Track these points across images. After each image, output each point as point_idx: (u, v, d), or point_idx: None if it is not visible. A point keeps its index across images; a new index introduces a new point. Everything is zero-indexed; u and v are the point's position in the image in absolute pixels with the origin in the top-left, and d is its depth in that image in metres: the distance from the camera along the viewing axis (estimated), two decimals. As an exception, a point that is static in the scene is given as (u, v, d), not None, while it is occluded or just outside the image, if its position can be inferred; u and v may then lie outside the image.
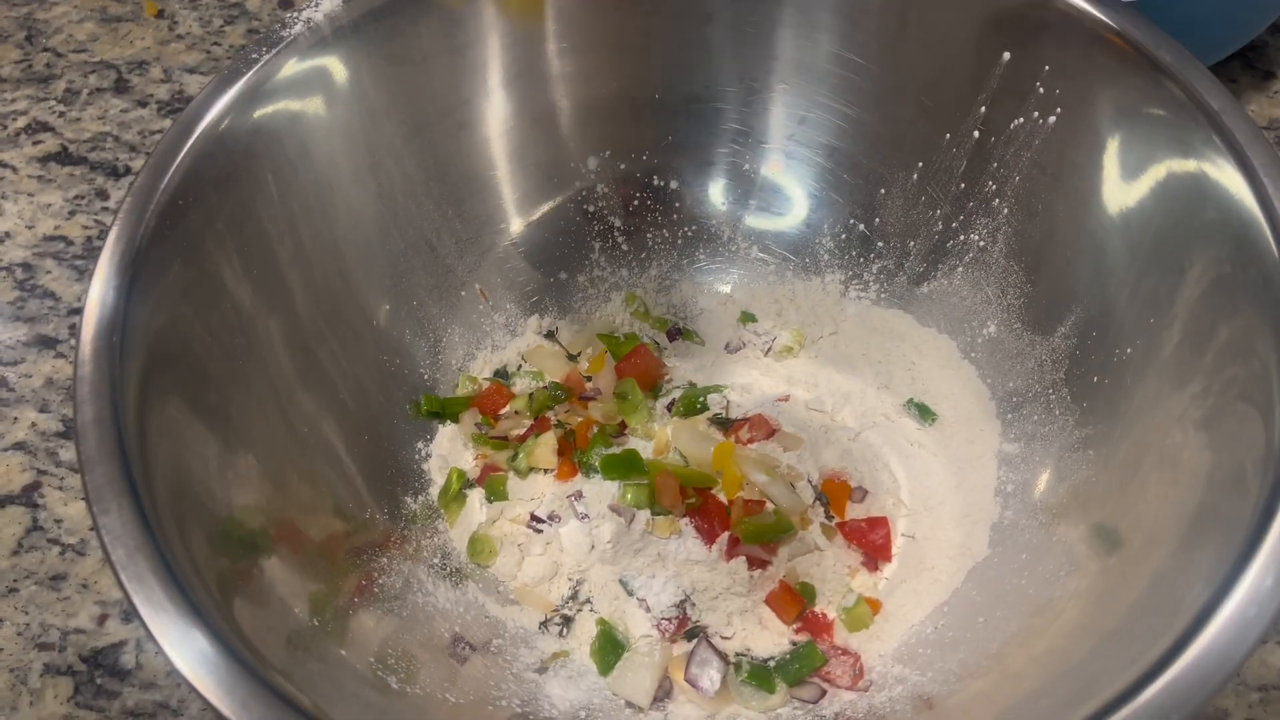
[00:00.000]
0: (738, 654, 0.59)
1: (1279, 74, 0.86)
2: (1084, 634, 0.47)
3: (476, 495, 0.65)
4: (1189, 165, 0.52)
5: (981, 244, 0.67)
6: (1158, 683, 0.38)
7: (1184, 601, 0.41)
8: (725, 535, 0.61)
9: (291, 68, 0.59)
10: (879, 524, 0.62)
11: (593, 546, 0.61)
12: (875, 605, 0.60)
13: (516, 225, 0.73)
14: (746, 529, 0.59)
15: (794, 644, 0.59)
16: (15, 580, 0.65)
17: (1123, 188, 0.56)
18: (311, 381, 0.60)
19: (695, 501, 0.61)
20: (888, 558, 0.62)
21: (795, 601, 0.59)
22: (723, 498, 0.61)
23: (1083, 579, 0.52)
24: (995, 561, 0.60)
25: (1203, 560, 0.43)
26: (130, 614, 0.63)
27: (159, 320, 0.49)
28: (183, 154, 0.53)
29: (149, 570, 0.42)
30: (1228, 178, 0.49)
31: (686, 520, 0.61)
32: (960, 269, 0.68)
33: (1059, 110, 0.60)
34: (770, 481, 0.61)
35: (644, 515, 0.61)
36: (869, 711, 0.54)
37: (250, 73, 0.57)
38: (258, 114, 0.57)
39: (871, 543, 0.62)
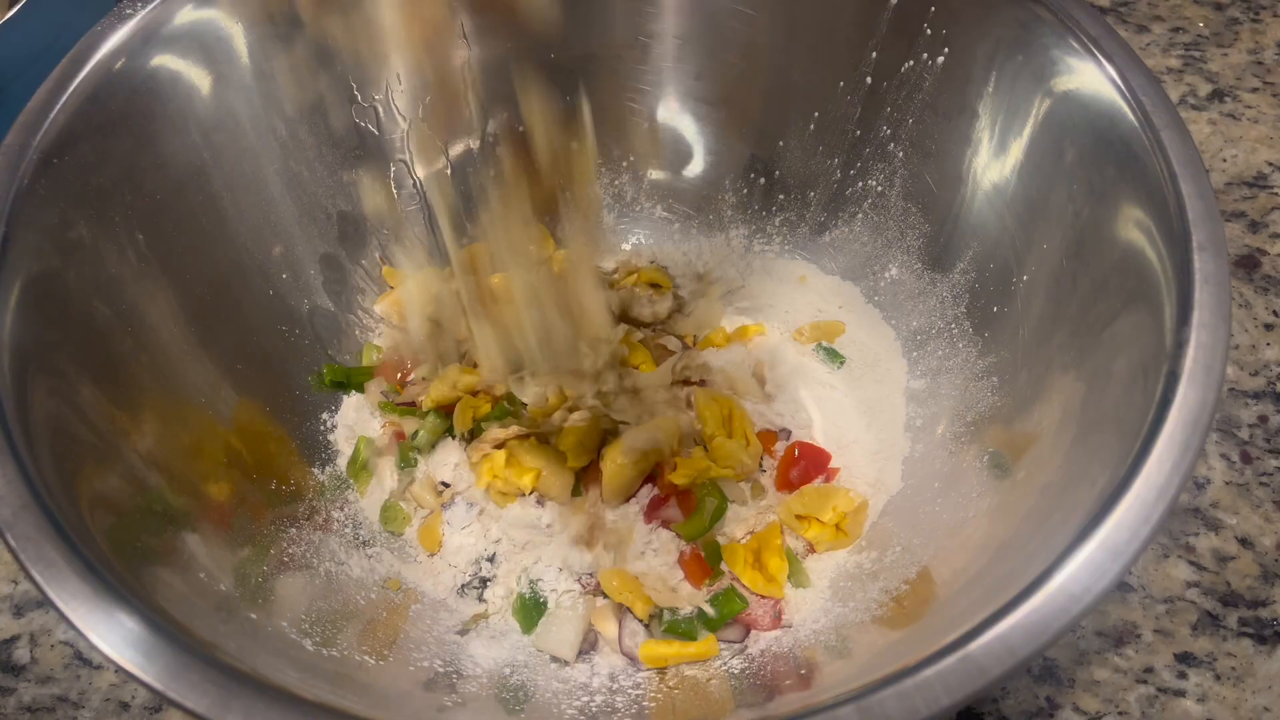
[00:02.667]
0: (654, 610, 0.58)
1: (1152, 29, 0.90)
2: (989, 546, 0.48)
3: (387, 463, 0.64)
4: (1065, 84, 0.53)
5: (879, 189, 0.68)
6: (1048, 586, 0.38)
7: (1080, 501, 0.42)
8: (645, 489, 0.61)
9: (168, 26, 0.56)
10: (816, 455, 0.63)
11: (533, 526, 0.60)
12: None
13: (413, 192, 0.71)
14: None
15: (713, 592, 0.59)
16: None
17: (1008, 117, 0.58)
18: (209, 349, 0.57)
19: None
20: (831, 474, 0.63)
21: (704, 570, 0.59)
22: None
23: (993, 496, 0.53)
24: (909, 493, 0.61)
25: (1100, 460, 0.44)
26: (21, 609, 0.60)
27: (37, 273, 0.47)
28: (56, 109, 0.51)
29: (56, 552, 0.39)
30: (1101, 87, 0.51)
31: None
32: (860, 215, 0.69)
33: (946, 50, 0.61)
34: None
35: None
36: (794, 645, 0.55)
37: (125, 27, 0.54)
38: (138, 69, 0.55)
39: (809, 475, 0.62)
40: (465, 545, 0.60)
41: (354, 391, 0.66)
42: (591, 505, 0.60)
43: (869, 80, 0.65)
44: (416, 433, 0.64)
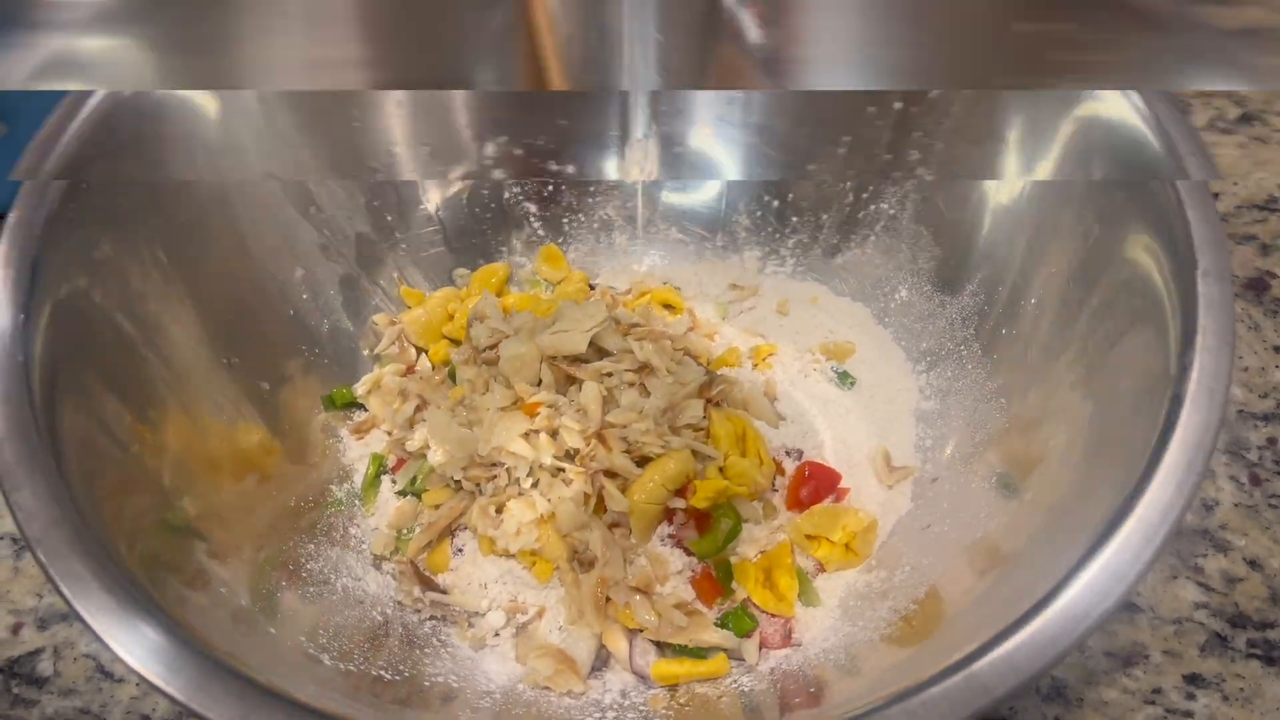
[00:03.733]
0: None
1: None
2: (996, 566, 0.48)
3: (389, 485, 0.65)
4: (1084, 107, 0.54)
5: (891, 212, 0.68)
6: (1053, 606, 0.39)
7: (1085, 522, 0.42)
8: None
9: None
10: (826, 475, 0.63)
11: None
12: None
13: (430, 214, 0.73)
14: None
15: (724, 611, 0.59)
16: (-81, 595, 0.63)
17: (1026, 141, 0.58)
18: (230, 368, 0.59)
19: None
20: (841, 494, 0.64)
21: (716, 589, 0.59)
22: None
23: (1002, 516, 0.53)
24: (918, 514, 0.61)
25: (1106, 481, 0.44)
26: (45, 622, 0.61)
27: (66, 294, 0.48)
28: (70, 134, 0.52)
29: (83, 566, 0.40)
30: (1119, 111, 0.52)
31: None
32: (872, 238, 0.70)
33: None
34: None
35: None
36: (804, 663, 0.55)
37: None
38: (146, 94, 0.55)
39: (820, 494, 0.63)
40: (476, 567, 0.61)
41: (365, 410, 0.67)
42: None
43: (899, 104, 0.65)
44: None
